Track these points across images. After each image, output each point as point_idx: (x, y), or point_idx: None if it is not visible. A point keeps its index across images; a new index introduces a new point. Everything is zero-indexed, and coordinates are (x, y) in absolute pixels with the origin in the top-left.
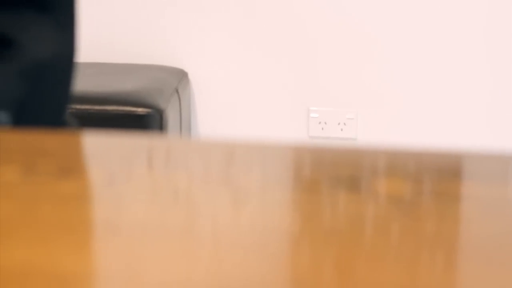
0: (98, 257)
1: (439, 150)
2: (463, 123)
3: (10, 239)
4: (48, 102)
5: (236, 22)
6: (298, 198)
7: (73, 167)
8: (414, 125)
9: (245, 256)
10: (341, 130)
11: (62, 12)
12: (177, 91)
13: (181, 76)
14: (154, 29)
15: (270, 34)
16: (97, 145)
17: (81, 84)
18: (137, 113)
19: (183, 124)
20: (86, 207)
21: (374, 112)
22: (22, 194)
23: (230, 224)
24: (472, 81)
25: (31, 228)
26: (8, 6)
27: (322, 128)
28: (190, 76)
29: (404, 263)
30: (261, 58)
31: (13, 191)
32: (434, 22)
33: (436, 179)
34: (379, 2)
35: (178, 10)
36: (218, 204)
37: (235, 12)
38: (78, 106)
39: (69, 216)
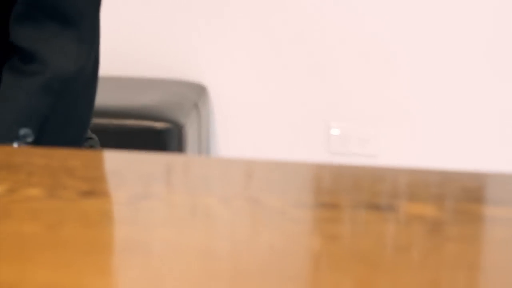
0: (121, 277)
1: (464, 171)
2: (485, 142)
3: (34, 260)
4: (71, 117)
5: (256, 37)
6: (318, 218)
7: (96, 187)
8: (436, 142)
9: (263, 278)
10: (362, 146)
11: (84, 27)
12: (196, 106)
13: (200, 91)
14: (174, 43)
15: (290, 50)
16: (118, 164)
17: (100, 98)
18: (156, 127)
19: (202, 139)
20: (109, 227)
21: (395, 128)
22: (47, 214)
23: (249, 244)
24: (497, 100)
25: (55, 248)
26: (31, 21)
27: (343, 145)
28: (210, 91)
29: (425, 283)
30: (281, 73)
31: (38, 212)
32: (459, 39)
33: (458, 200)
34: (402, 18)
35: (199, 24)
36: (237, 223)
37: (255, 27)
38: (97, 120)
39: (92, 236)
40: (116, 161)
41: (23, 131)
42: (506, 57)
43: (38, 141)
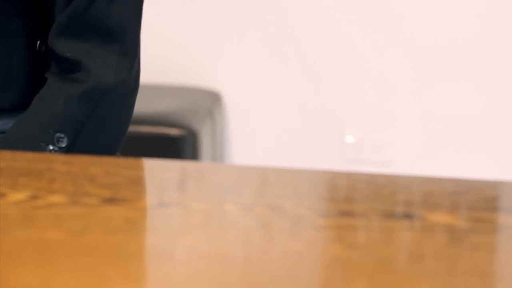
0: (143, 284)
1: (486, 180)
2: (501, 148)
3: (58, 266)
4: (107, 127)
5: (271, 45)
6: (337, 226)
7: (117, 194)
8: (450, 148)
9: (282, 286)
10: (377, 153)
11: (127, 41)
12: (211, 113)
13: (215, 98)
14: (189, 50)
15: (305, 57)
16: (139, 171)
17: None
18: (171, 134)
19: (216, 146)
20: (131, 234)
21: (409, 135)
22: (70, 221)
23: (268, 251)
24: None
25: (78, 255)
26: (74, 33)
27: (358, 151)
28: (224, 98)
29: None
30: (296, 81)
31: (60, 218)
32: (473, 45)
33: (474, 208)
34: (415, 26)
35: (213, 31)
36: (256, 230)
37: (270, 35)
38: None
39: (115, 243)
40: (136, 168)
41: (58, 135)
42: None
43: (72, 148)
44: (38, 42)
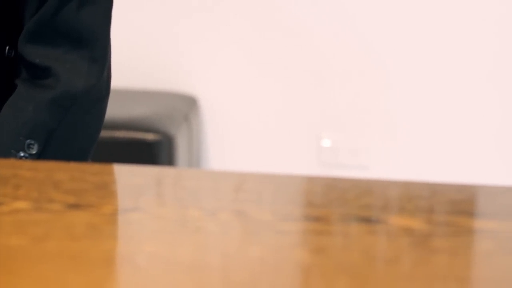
0: None
1: (452, 184)
2: (476, 153)
3: (20, 272)
4: (78, 132)
5: (248, 50)
6: (307, 231)
7: (82, 200)
8: (426, 153)
9: None
10: (353, 157)
11: (96, 46)
12: (187, 117)
13: (191, 102)
14: (165, 54)
15: (282, 62)
16: (106, 176)
17: None
18: (147, 139)
19: (193, 151)
20: (95, 240)
21: (386, 139)
22: (33, 227)
23: (238, 257)
24: (487, 113)
25: (41, 261)
26: (44, 39)
27: (334, 155)
28: (201, 102)
29: None
30: (273, 86)
31: (24, 224)
32: (449, 53)
33: (447, 213)
34: (393, 30)
35: (190, 36)
36: (225, 237)
37: (246, 39)
38: None
39: (78, 249)
40: (102, 174)
41: (28, 142)
42: (494, 69)
43: (43, 154)
44: (7, 47)
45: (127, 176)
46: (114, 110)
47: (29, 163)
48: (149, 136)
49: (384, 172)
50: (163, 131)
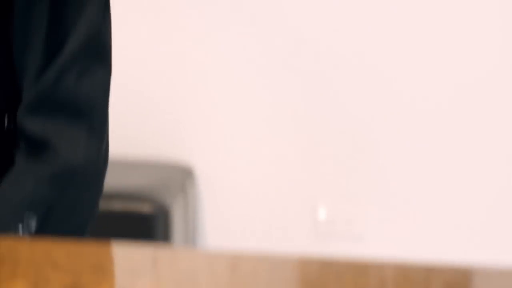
0: None
1: (447, 265)
2: (474, 226)
3: None
4: (77, 206)
5: (243, 121)
6: None
7: (79, 281)
8: (423, 223)
9: None
10: (349, 227)
11: (95, 119)
12: (183, 188)
13: (187, 173)
14: (161, 125)
15: (276, 134)
16: (104, 255)
17: None
18: (143, 210)
19: (189, 222)
20: None
21: (381, 209)
22: None
23: None
24: (487, 186)
25: None
26: (42, 112)
27: (330, 225)
28: (197, 173)
29: None
30: (268, 157)
31: None
32: (443, 126)
33: None
34: (386, 104)
35: (186, 107)
36: None
37: (242, 112)
38: None
39: None
40: (101, 253)
41: (27, 217)
42: (491, 145)
43: (42, 229)
44: (6, 120)
45: (124, 256)
46: (109, 180)
47: (26, 241)
48: (145, 207)
49: (379, 241)
50: (159, 202)
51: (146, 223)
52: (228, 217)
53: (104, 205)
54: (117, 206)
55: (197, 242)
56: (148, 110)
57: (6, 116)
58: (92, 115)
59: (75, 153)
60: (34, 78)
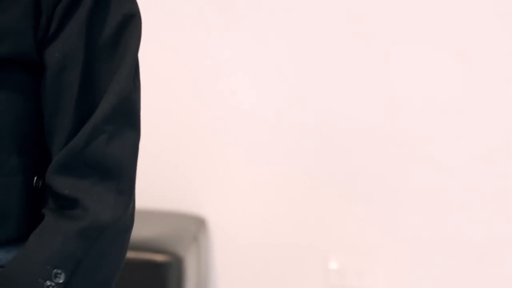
0: None
1: None
2: (486, 274)
3: None
4: (104, 262)
5: (254, 175)
6: None
7: None
8: (433, 278)
9: None
10: (360, 279)
11: (123, 179)
12: (196, 238)
13: (200, 223)
14: (174, 176)
15: (287, 186)
16: None
17: None
18: (156, 260)
19: (201, 271)
20: None
21: (393, 261)
22: None
23: None
24: (498, 230)
25: None
26: (72, 171)
27: (342, 278)
28: (209, 223)
29: None
30: (281, 208)
31: None
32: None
33: None
34: (386, 145)
35: (198, 158)
36: None
37: (253, 164)
38: None
39: None
40: None
41: (55, 272)
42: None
43: (69, 284)
44: (35, 178)
45: None
46: None
47: None
48: (159, 257)
49: None
50: (172, 252)
51: (160, 272)
52: (239, 266)
53: None
54: (132, 255)
55: None
56: (162, 164)
57: (35, 178)
58: (120, 175)
59: (103, 211)
60: (64, 140)
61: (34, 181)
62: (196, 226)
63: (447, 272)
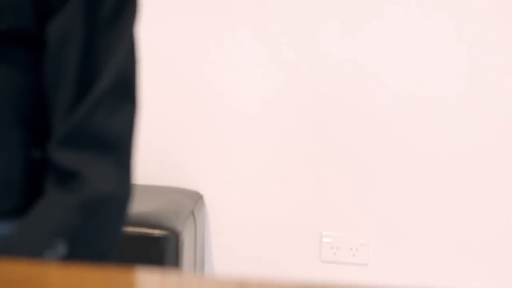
0: None
1: None
2: (475, 255)
3: None
4: (104, 234)
5: (251, 148)
6: None
7: None
8: (425, 252)
9: None
10: (353, 255)
11: (123, 152)
12: (193, 213)
13: (196, 198)
14: (171, 152)
15: (283, 162)
16: (129, 283)
17: None
18: (154, 235)
19: (197, 246)
20: None
21: (386, 237)
22: None
23: None
24: (491, 220)
25: None
26: (72, 145)
27: (335, 253)
28: (205, 198)
29: None
30: (275, 183)
31: None
32: (445, 148)
33: None
34: (385, 135)
35: (195, 134)
36: None
37: (250, 136)
38: None
39: None
40: (132, 280)
41: (57, 243)
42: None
43: (70, 255)
44: (36, 151)
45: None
46: None
47: (55, 266)
48: (156, 232)
49: (382, 268)
50: (169, 227)
51: (158, 247)
52: (235, 241)
53: None
54: (130, 230)
55: (205, 265)
56: (161, 141)
57: (36, 151)
58: (120, 149)
59: (104, 184)
60: (64, 114)
61: (35, 154)
62: (193, 201)
63: (438, 248)
